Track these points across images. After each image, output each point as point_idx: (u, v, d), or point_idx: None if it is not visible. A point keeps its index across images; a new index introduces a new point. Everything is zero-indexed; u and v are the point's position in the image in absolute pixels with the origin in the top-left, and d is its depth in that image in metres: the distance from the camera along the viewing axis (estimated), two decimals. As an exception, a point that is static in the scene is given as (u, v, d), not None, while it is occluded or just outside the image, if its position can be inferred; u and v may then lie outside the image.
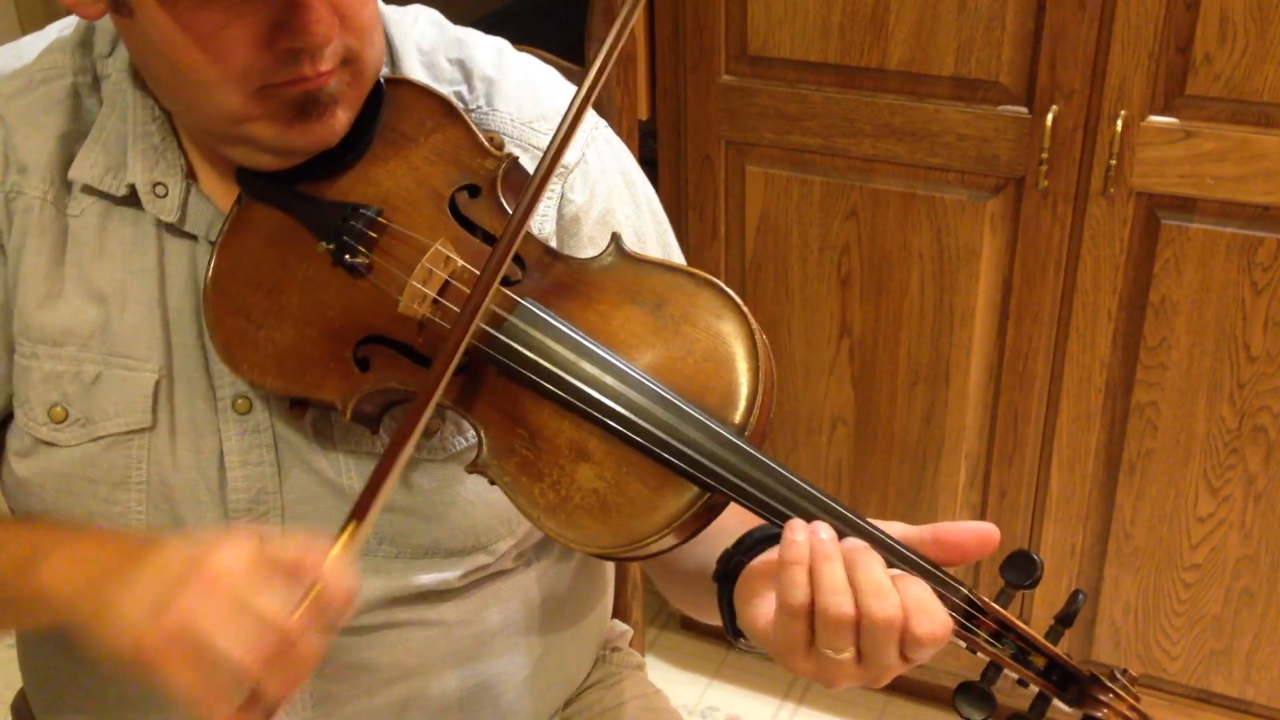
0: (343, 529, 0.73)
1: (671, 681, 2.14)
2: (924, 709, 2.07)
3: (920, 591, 0.71)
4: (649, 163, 1.71)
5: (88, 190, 0.88)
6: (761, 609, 0.77)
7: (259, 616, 0.69)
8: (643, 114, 1.79)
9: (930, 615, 0.70)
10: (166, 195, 0.87)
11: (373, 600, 0.91)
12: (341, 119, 0.81)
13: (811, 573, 0.71)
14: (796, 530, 0.72)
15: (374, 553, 0.90)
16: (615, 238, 0.83)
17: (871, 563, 0.71)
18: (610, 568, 1.15)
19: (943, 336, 1.73)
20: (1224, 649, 1.76)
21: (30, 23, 2.35)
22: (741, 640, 0.82)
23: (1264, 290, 1.53)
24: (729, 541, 0.84)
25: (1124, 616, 1.80)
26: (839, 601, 0.70)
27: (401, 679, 0.96)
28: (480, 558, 0.94)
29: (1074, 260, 1.61)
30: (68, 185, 0.89)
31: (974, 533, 0.74)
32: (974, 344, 1.72)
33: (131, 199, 0.88)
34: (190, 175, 0.88)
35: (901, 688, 2.09)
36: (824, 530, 0.72)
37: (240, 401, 0.88)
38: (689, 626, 2.21)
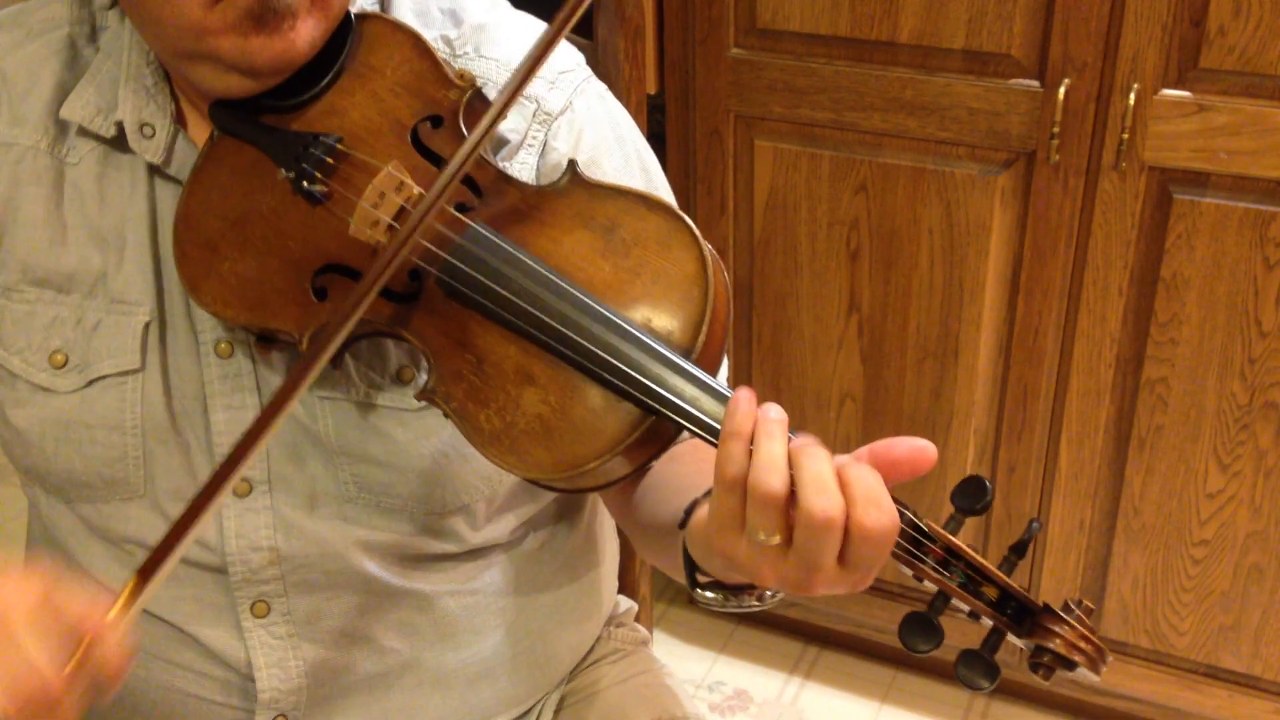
0: (125, 586, 0.72)
1: (679, 656, 2.15)
2: (930, 684, 2.08)
3: (871, 479, 0.67)
4: (657, 137, 1.70)
5: (83, 134, 0.89)
6: (705, 507, 0.75)
7: (26, 660, 0.67)
8: (650, 88, 1.77)
9: (879, 507, 0.66)
10: (153, 136, 0.88)
11: (362, 552, 0.92)
12: (303, 33, 0.81)
13: (753, 448, 0.68)
14: (740, 400, 0.69)
15: (355, 499, 0.91)
16: (571, 164, 0.83)
17: (818, 457, 0.67)
18: (606, 538, 1.14)
19: (952, 312, 1.72)
20: (1232, 624, 1.76)
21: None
22: (697, 591, 0.80)
23: (1276, 265, 1.52)
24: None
25: (1132, 592, 1.80)
26: (769, 479, 0.66)
27: (395, 650, 0.96)
28: (465, 527, 0.93)
29: (1085, 235, 1.60)
30: (62, 129, 0.90)
31: (907, 444, 0.70)
32: (984, 319, 1.71)
33: (121, 140, 0.89)
34: (179, 121, 0.89)
35: (908, 662, 2.09)
36: (774, 410, 0.69)
37: (222, 345, 0.89)
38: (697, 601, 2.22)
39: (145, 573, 0.73)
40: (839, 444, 1.89)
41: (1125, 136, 1.51)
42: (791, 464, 0.67)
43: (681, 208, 1.04)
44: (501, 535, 0.98)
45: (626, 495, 0.93)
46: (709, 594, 0.80)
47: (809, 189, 1.74)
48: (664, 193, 1.00)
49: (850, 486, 0.67)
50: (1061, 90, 1.52)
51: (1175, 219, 1.54)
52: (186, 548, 0.74)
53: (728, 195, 1.80)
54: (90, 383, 0.89)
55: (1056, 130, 1.54)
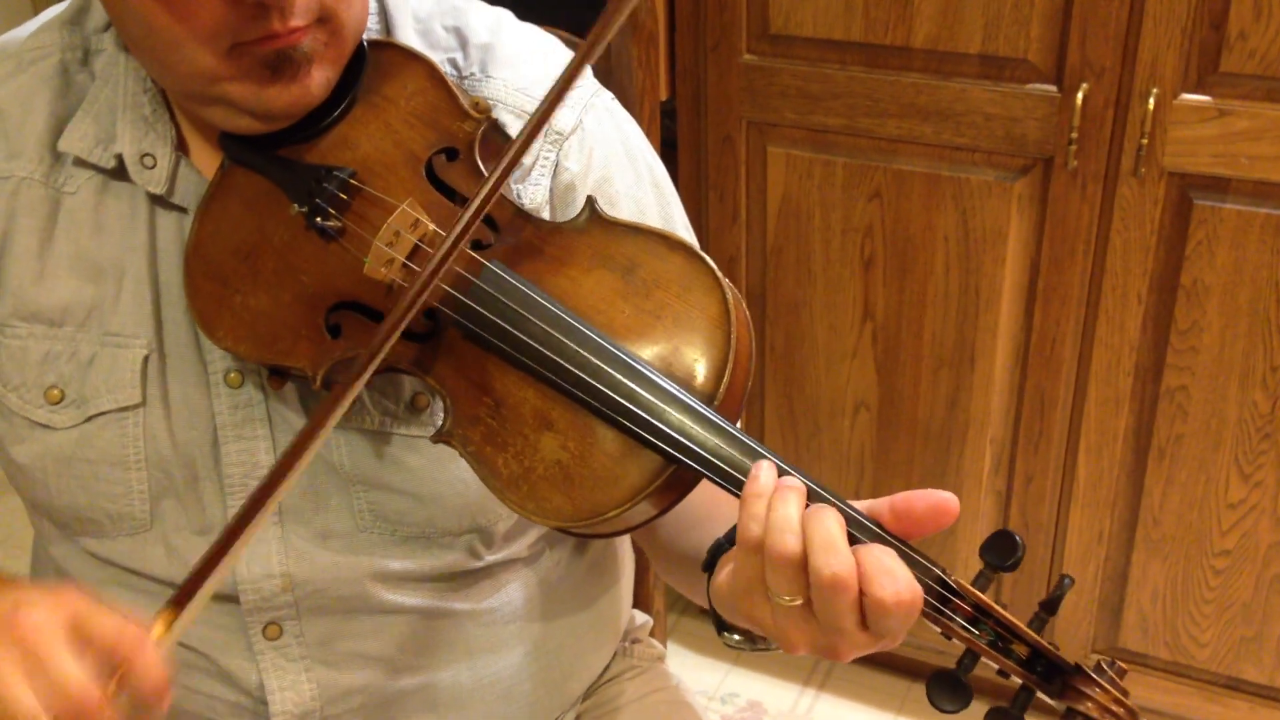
0: (158, 615, 0.71)
1: (692, 667, 2.13)
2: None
3: (883, 554, 0.67)
4: (667, 143, 1.68)
5: (81, 164, 0.87)
6: (727, 567, 0.75)
7: (58, 682, 0.67)
8: (662, 94, 1.76)
9: (894, 576, 0.66)
10: (155, 167, 0.86)
11: (376, 583, 0.90)
12: (318, 79, 0.80)
13: (768, 510, 0.68)
14: (763, 467, 0.70)
15: (369, 529, 0.89)
16: (590, 200, 0.81)
17: (826, 517, 0.67)
18: (623, 555, 1.13)
19: (968, 320, 1.70)
20: (1254, 636, 1.73)
21: (46, 6, 2.33)
22: (726, 634, 0.80)
23: (1299, 272, 1.50)
24: (726, 528, 0.81)
25: (1152, 603, 1.78)
26: (785, 539, 0.67)
27: (410, 670, 0.95)
28: (481, 546, 0.92)
29: (1103, 242, 1.58)
30: (59, 159, 0.88)
31: (926, 500, 0.69)
32: (1000, 327, 1.69)
33: (122, 171, 0.87)
34: (180, 147, 0.87)
35: (924, 674, 2.07)
36: (793, 479, 0.69)
37: (232, 375, 0.87)
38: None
39: (179, 601, 0.71)
40: (853, 454, 1.87)
41: (1144, 142, 1.49)
42: (803, 527, 0.67)
43: (693, 216, 1.02)
44: (519, 552, 0.96)
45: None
46: (736, 636, 0.79)
47: (822, 196, 1.72)
48: (675, 208, 0.99)
49: (862, 560, 0.67)
50: (1079, 95, 1.50)
51: (1195, 225, 1.52)
52: (216, 583, 0.73)
53: (740, 203, 1.78)
54: (89, 419, 0.87)
55: (1074, 136, 1.52)
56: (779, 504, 0.68)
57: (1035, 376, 1.70)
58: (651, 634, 1.23)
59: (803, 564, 0.67)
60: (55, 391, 0.87)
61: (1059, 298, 1.64)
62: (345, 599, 0.90)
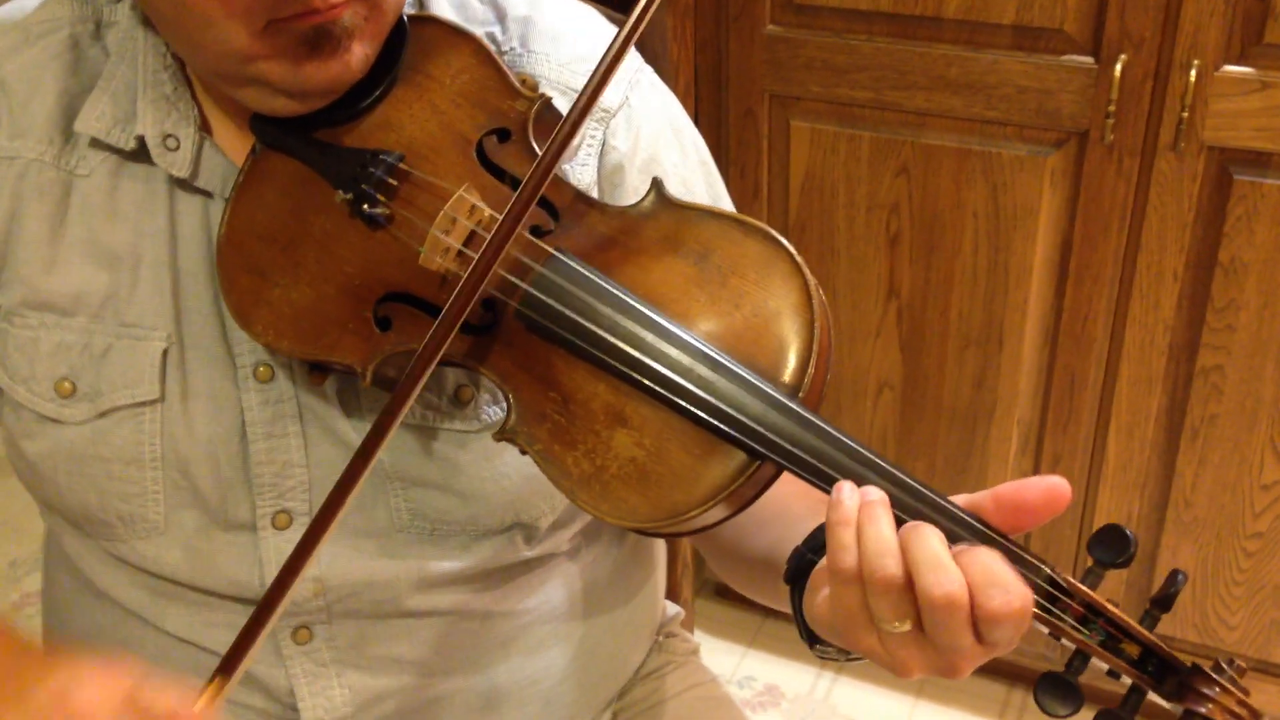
0: (208, 682, 0.69)
1: (707, 649, 2.07)
2: (966, 678, 2.02)
3: (990, 561, 0.63)
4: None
5: (96, 145, 0.83)
6: (822, 592, 0.71)
7: None
8: (682, 66, 1.71)
9: (1004, 587, 0.62)
10: (178, 148, 0.81)
11: (412, 585, 0.86)
12: (358, 55, 0.75)
13: (858, 536, 0.64)
14: (843, 489, 0.65)
15: (407, 528, 0.85)
16: (656, 183, 0.76)
17: (927, 535, 0.63)
18: (660, 550, 1.09)
19: (996, 298, 1.66)
20: (1285, 619, 1.71)
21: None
22: (819, 647, 0.76)
23: (1341, 249, 1.46)
24: (796, 528, 0.78)
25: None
26: (885, 564, 0.63)
27: (445, 673, 0.91)
28: (522, 542, 0.89)
29: (1139, 218, 1.54)
30: (71, 141, 0.83)
31: (1040, 489, 0.65)
32: (1029, 306, 1.65)
33: (141, 153, 0.82)
34: (204, 128, 0.83)
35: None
36: (874, 492, 0.65)
37: (262, 369, 0.83)
38: (725, 594, 2.16)
39: (227, 668, 0.69)
40: (875, 435, 1.84)
41: (1184, 115, 1.45)
42: (903, 547, 0.64)
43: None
44: (559, 546, 0.93)
45: None
46: (831, 649, 0.75)
47: (847, 171, 1.67)
48: (721, 185, 0.95)
49: (968, 571, 0.63)
50: (1118, 67, 1.46)
51: (1235, 201, 1.48)
52: (270, 628, 0.70)
53: (762, 178, 1.74)
54: (103, 414, 0.82)
55: (1112, 109, 1.48)
56: (869, 525, 0.64)
57: (1065, 356, 1.67)
58: (682, 624, 1.19)
59: (907, 586, 0.63)
60: (66, 384, 0.83)
61: (1091, 275, 1.60)
62: (379, 601, 0.86)
